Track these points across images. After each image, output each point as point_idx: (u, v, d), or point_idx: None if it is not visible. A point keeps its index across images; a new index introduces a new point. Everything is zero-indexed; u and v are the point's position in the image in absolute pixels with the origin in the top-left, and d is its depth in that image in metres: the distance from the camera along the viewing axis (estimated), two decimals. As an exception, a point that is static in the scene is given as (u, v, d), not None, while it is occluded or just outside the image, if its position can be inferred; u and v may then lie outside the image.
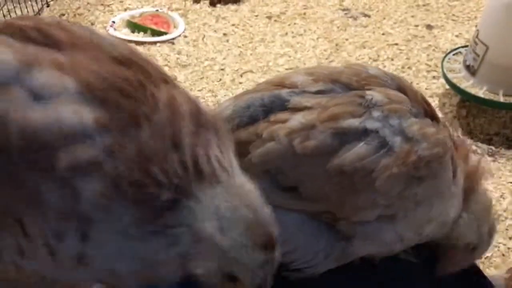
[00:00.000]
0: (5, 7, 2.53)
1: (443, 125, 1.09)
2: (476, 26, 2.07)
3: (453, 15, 2.69)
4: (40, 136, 0.70)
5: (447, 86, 2.10)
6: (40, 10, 2.68)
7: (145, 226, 0.73)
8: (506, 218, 1.64)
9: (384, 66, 2.29)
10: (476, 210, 1.16)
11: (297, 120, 1.00)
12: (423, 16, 2.67)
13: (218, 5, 2.76)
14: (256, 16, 2.69)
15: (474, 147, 1.88)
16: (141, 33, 2.54)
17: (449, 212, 1.12)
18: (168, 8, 2.73)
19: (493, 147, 1.92)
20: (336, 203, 1.02)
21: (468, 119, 2.05)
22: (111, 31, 2.54)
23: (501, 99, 1.92)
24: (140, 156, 0.72)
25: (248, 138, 1.01)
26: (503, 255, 1.55)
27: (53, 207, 0.71)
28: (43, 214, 0.71)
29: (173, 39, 2.51)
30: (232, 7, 2.75)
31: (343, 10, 2.73)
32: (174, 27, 2.60)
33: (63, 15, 2.66)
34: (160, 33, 2.53)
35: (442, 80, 2.12)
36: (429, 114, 1.08)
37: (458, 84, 1.99)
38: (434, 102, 2.11)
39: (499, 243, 1.56)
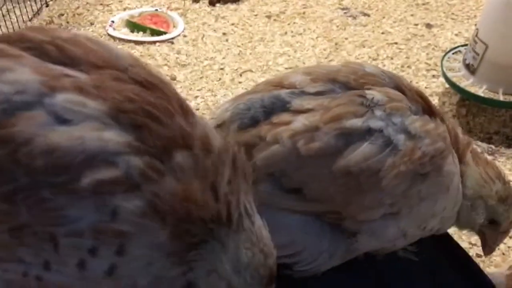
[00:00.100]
0: (4, 6, 2.53)
1: (440, 119, 1.10)
2: (475, 25, 2.08)
3: (453, 13, 2.69)
4: (65, 158, 0.70)
5: (447, 85, 2.10)
6: (39, 10, 2.68)
7: (171, 256, 0.77)
8: (506, 216, 1.64)
9: (384, 65, 2.30)
10: (467, 187, 1.15)
11: (300, 122, 1.00)
12: (422, 15, 2.68)
13: (218, 5, 2.76)
14: (256, 15, 2.69)
15: (474, 146, 1.88)
16: (140, 33, 2.54)
17: (453, 206, 1.12)
18: (168, 8, 2.73)
19: (493, 146, 1.93)
20: (342, 204, 1.02)
21: (467, 117, 2.05)
22: (110, 30, 2.54)
23: (501, 97, 1.93)
24: (182, 194, 0.75)
25: (251, 141, 1.01)
26: (503, 254, 1.55)
27: (89, 225, 0.72)
28: (77, 233, 0.72)
29: (173, 38, 2.51)
30: (232, 6, 2.75)
31: (343, 9, 2.74)
32: (174, 26, 2.60)
33: (62, 15, 2.66)
34: (159, 33, 2.53)
35: (442, 79, 2.13)
36: (426, 110, 1.09)
37: (457, 83, 2.00)
38: (434, 101, 2.11)
39: (499, 242, 1.56)
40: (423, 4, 2.77)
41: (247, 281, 0.83)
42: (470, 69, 1.99)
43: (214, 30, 2.57)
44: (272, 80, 1.12)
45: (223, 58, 2.38)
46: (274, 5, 2.77)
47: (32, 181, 0.71)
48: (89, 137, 0.71)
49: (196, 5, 2.76)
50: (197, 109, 2.06)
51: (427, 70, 2.30)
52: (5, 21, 2.44)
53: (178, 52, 2.42)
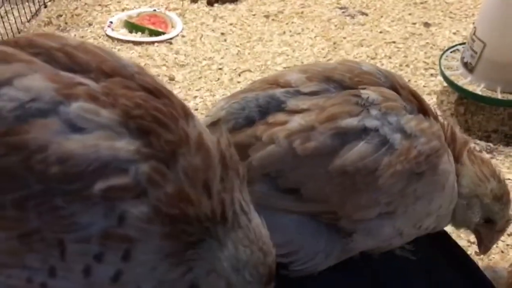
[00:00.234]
0: (3, 8, 2.53)
1: (434, 118, 1.10)
2: (473, 23, 2.07)
3: (451, 12, 2.69)
4: (79, 166, 0.71)
5: (445, 84, 2.10)
6: (38, 11, 2.68)
7: (169, 257, 0.78)
8: (504, 215, 1.64)
9: (382, 64, 2.30)
10: (462, 186, 1.15)
11: (296, 121, 1.00)
12: (420, 14, 2.68)
13: (216, 5, 2.76)
14: (254, 15, 2.69)
15: (472, 144, 1.88)
16: (139, 33, 2.54)
17: (448, 204, 1.12)
18: (166, 8, 2.73)
19: (491, 144, 1.93)
20: (338, 203, 1.02)
21: (466, 116, 2.05)
22: (109, 31, 2.54)
23: (499, 96, 1.93)
24: (179, 195, 0.76)
25: (247, 141, 1.01)
26: (502, 252, 1.55)
27: (97, 231, 0.72)
28: (85, 239, 0.73)
29: (171, 39, 2.51)
30: (230, 6, 2.75)
31: (341, 8, 2.73)
32: (172, 27, 2.60)
33: (61, 16, 2.66)
34: (158, 33, 2.53)
35: (440, 78, 2.13)
36: (420, 110, 1.09)
37: (455, 82, 1.99)
38: (432, 100, 2.11)
39: (498, 240, 1.56)
40: (421, 3, 2.77)
41: (246, 279, 0.83)
42: (468, 67, 1.99)
43: (213, 30, 2.57)
44: (268, 79, 1.13)
45: (222, 58, 2.38)
46: (272, 5, 2.77)
47: (45, 188, 0.71)
48: (102, 146, 0.72)
49: (194, 5, 2.76)
50: (196, 109, 2.05)
51: (425, 69, 2.30)
52: (3, 22, 2.44)
53: (177, 52, 2.42)
